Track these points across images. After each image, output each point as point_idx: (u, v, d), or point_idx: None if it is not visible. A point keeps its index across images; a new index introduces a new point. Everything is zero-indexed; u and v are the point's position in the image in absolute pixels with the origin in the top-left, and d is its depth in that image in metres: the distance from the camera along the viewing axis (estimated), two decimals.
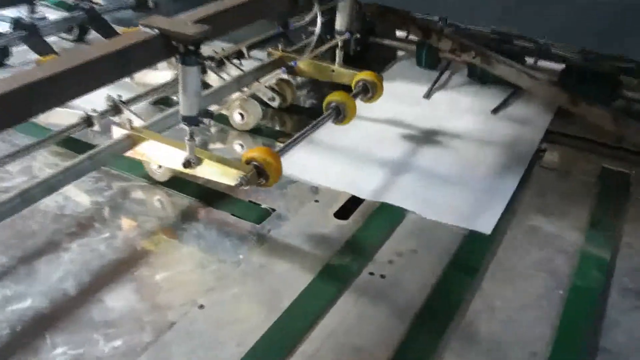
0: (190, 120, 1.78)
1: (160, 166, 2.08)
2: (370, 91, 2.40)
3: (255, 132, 2.49)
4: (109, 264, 1.76)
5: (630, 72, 2.73)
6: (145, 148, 1.96)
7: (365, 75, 2.41)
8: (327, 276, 1.75)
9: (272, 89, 2.59)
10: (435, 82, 2.87)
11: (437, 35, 2.63)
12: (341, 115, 2.24)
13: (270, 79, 2.51)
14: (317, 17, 2.15)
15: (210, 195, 2.07)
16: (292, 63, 2.13)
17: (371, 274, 1.77)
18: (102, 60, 1.54)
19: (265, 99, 2.60)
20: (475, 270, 1.81)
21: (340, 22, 2.46)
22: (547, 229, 2.01)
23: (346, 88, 2.38)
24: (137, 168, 2.14)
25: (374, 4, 2.63)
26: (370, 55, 3.08)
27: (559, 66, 2.86)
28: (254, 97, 2.53)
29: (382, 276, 1.76)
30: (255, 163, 1.83)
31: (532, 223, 2.04)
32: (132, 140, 1.97)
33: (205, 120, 1.80)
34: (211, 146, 2.41)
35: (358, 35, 2.51)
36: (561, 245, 1.94)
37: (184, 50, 1.67)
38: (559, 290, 1.76)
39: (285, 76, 2.61)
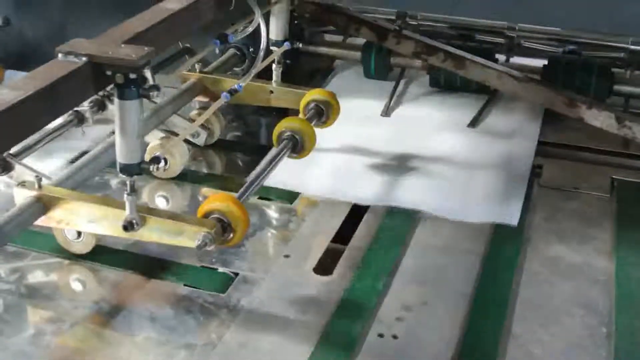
0: (131, 170, 1.91)
1: (79, 234, 2.17)
2: (324, 114, 2.62)
3: (178, 178, 2.63)
4: None
5: (621, 63, 3.13)
6: (62, 212, 2.05)
7: (317, 94, 2.62)
8: (329, 346, 1.91)
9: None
10: (392, 96, 3.13)
11: (395, 37, 2.90)
12: (298, 146, 2.43)
13: (199, 108, 2.68)
14: (259, 25, 2.34)
15: (150, 264, 2.19)
16: (236, 86, 2.30)
17: (380, 335, 1.95)
18: (29, 101, 1.65)
19: (187, 136, 2.74)
20: (501, 315, 2.03)
21: (276, 30, 2.67)
22: (569, 258, 2.29)
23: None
24: (41, 240, 2.22)
25: (314, 4, 2.87)
26: (300, 67, 3.30)
27: (535, 62, 3.22)
28: (173, 134, 2.67)
29: (395, 337, 1.95)
30: (216, 216, 1.99)
31: (551, 252, 2.31)
32: (43, 205, 2.06)
33: (152, 169, 1.93)
34: None
35: (300, 45, 2.73)
36: (591, 275, 2.21)
37: (123, 80, 1.81)
38: (601, 327, 2.02)
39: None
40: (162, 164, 1.98)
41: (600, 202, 2.58)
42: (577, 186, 2.66)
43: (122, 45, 1.87)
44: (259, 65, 2.40)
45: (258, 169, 2.25)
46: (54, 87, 1.72)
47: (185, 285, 2.11)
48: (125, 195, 1.95)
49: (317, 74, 3.34)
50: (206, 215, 1.99)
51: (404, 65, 3.22)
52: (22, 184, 2.07)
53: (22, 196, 2.06)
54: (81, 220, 2.05)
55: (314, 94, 2.63)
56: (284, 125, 2.44)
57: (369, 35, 2.99)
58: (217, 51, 3.09)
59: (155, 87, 1.87)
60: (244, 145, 2.96)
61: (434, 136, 2.93)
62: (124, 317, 2.00)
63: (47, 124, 1.75)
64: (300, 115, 2.63)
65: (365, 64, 3.22)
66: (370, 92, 3.18)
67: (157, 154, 1.98)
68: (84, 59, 1.81)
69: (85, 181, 2.26)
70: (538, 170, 2.75)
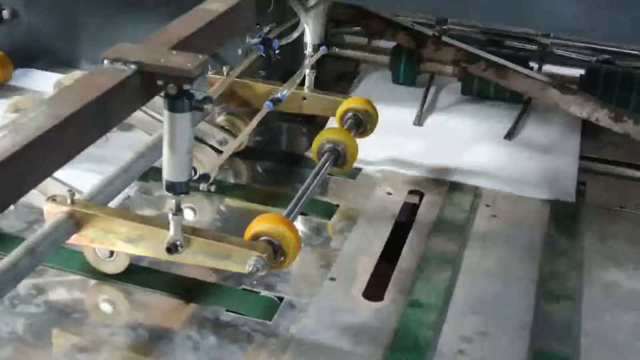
0: (179, 188, 1.75)
1: (112, 253, 2.01)
2: (362, 124, 2.48)
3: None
4: None
5: None
6: (97, 230, 1.89)
7: (355, 102, 2.49)
8: None
9: (222, 128, 2.58)
10: (423, 104, 2.99)
11: (434, 43, 2.76)
12: (340, 159, 2.30)
13: (227, 114, 2.53)
14: (304, 29, 2.19)
15: (186, 285, 2.03)
16: (280, 95, 2.15)
17: None
18: (81, 114, 1.49)
19: (212, 143, 2.58)
20: (567, 350, 1.90)
21: (312, 34, 2.51)
22: (628, 285, 2.16)
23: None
24: (63, 256, 2.06)
25: (349, 6, 2.72)
26: (325, 71, 3.15)
27: (567, 70, 3.11)
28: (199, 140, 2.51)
29: None
30: (266, 238, 1.84)
31: (607, 278, 2.18)
32: (75, 221, 1.89)
33: (202, 187, 1.77)
34: (145, 212, 2.37)
35: (336, 50, 2.58)
36: None
37: (176, 91, 1.65)
38: None
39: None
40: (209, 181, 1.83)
41: None
42: (624, 205, 2.54)
43: (174, 52, 1.71)
44: (303, 72, 2.25)
45: (303, 185, 2.11)
46: (105, 98, 1.55)
47: (227, 310, 1.96)
48: (170, 216, 1.79)
49: (342, 78, 3.19)
50: (254, 237, 1.85)
51: (433, 71, 3.08)
52: (53, 198, 1.91)
53: (53, 212, 1.90)
54: (117, 240, 1.89)
55: (351, 103, 2.50)
56: (324, 138, 2.31)
57: (405, 41, 2.84)
58: (239, 52, 2.93)
59: (209, 99, 1.72)
60: (270, 153, 2.80)
61: (469, 149, 2.79)
62: (165, 346, 1.84)
63: (97, 139, 1.58)
64: (337, 125, 2.50)
65: (395, 70, 3.07)
66: (399, 99, 3.04)
67: (205, 171, 1.83)
68: (133, 66, 1.65)
69: (118, 194, 2.10)
70: (582, 187, 2.62)
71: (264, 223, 1.85)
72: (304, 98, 2.58)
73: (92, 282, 2.04)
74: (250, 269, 1.77)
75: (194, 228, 1.87)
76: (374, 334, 1.91)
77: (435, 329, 1.94)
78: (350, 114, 2.47)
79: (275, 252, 1.83)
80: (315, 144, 2.32)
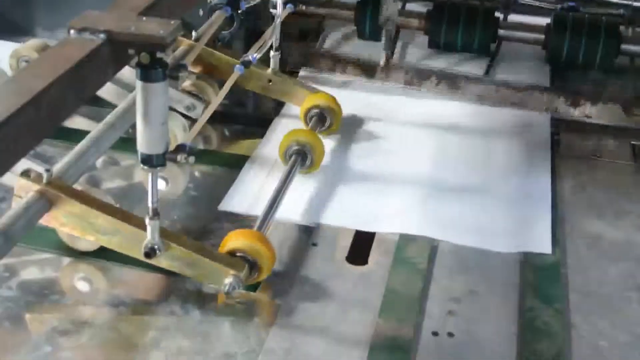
0: (155, 161, 1.66)
1: None
2: (327, 120, 2.46)
3: None
4: None
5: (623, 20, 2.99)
6: (69, 215, 1.80)
7: (320, 99, 2.46)
8: (382, 349, 1.72)
9: (190, 93, 2.49)
10: (390, 57, 2.92)
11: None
12: (308, 160, 2.26)
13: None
14: None
15: None
16: (251, 57, 2.06)
17: (435, 333, 1.78)
18: (54, 88, 1.39)
19: (180, 109, 2.49)
20: (557, 305, 1.87)
21: None
22: (611, 235, 2.14)
23: None
24: (37, 235, 1.93)
25: None
26: (288, 29, 3.05)
27: (533, 20, 3.06)
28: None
29: (450, 334, 1.77)
30: (241, 254, 1.82)
31: (590, 229, 2.16)
32: (47, 201, 1.79)
33: (180, 157, 1.69)
34: (114, 184, 2.30)
35: (304, 7, 2.50)
36: (636, 253, 2.07)
37: (149, 60, 1.55)
38: None
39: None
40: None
41: (626, 170, 2.45)
42: (598, 154, 2.52)
43: (144, 19, 1.61)
44: (274, 32, 2.17)
45: (272, 193, 2.06)
46: (75, 71, 1.46)
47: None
48: (147, 220, 1.72)
49: (306, 35, 3.10)
50: (230, 253, 1.82)
51: (398, 25, 3.01)
52: (26, 174, 1.80)
53: (25, 189, 1.79)
54: (90, 229, 1.81)
55: (314, 99, 2.47)
56: (291, 139, 2.26)
57: None
58: (200, 13, 2.83)
59: (183, 67, 1.63)
60: (238, 116, 2.71)
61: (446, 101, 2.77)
62: (149, 324, 1.77)
63: (71, 113, 1.49)
64: (302, 122, 2.48)
65: (360, 25, 2.99)
66: (367, 55, 2.97)
67: (183, 142, 1.75)
68: (102, 36, 1.54)
69: (89, 168, 2.01)
70: (556, 137, 2.60)
71: (239, 241, 1.83)
72: (270, 81, 2.53)
73: (67, 260, 1.95)
74: (227, 288, 1.76)
75: (172, 234, 1.83)
76: (362, 300, 1.87)
77: (423, 290, 1.90)
78: (314, 111, 2.45)
79: (251, 267, 1.82)
80: (282, 146, 2.26)
